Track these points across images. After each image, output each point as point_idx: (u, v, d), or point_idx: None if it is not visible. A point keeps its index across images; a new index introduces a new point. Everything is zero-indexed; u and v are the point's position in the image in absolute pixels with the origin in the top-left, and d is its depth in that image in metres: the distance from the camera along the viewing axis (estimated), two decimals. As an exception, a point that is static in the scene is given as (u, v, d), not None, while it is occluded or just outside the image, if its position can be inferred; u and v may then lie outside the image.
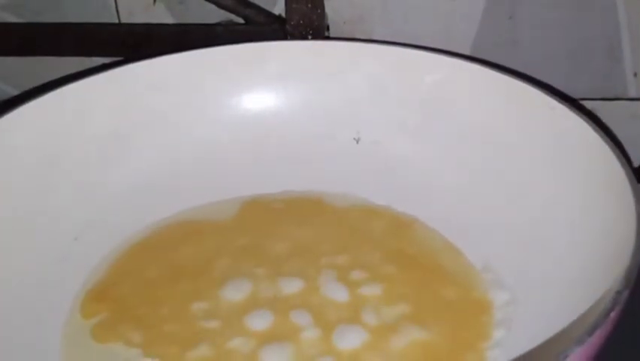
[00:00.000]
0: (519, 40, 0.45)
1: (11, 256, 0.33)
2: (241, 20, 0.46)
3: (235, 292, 0.33)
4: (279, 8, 0.46)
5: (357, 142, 0.40)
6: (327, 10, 0.45)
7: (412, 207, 0.37)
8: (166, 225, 0.37)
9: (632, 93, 0.46)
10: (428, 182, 0.38)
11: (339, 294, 0.33)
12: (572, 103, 0.35)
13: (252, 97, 0.41)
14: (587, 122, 0.33)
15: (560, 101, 0.35)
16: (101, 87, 0.38)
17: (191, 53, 0.40)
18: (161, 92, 0.39)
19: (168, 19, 0.47)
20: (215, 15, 0.46)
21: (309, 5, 0.44)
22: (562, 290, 0.30)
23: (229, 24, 0.46)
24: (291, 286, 0.33)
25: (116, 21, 0.47)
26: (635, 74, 0.45)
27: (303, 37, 0.45)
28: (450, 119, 0.39)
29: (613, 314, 0.24)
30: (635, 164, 0.45)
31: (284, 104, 0.41)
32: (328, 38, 0.46)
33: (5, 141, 0.35)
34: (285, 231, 0.36)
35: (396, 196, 0.38)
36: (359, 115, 0.40)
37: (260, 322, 0.31)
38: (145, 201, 0.37)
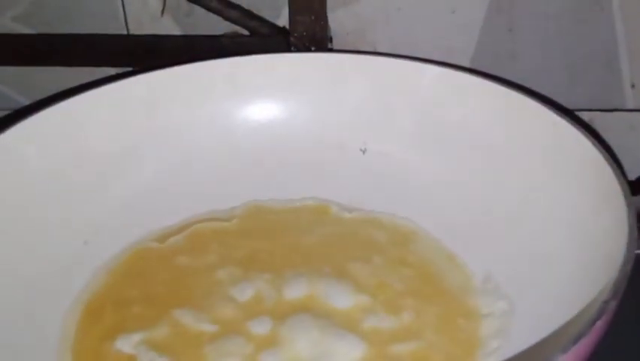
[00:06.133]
0: (518, 52, 0.46)
1: (21, 261, 0.34)
2: (246, 32, 0.47)
3: (238, 298, 0.33)
4: (283, 20, 0.46)
5: (364, 153, 0.41)
6: (331, 22, 0.46)
7: (415, 216, 0.38)
8: (173, 230, 0.38)
9: (630, 105, 0.46)
10: (431, 192, 0.38)
11: (339, 302, 0.33)
12: (570, 115, 0.36)
13: (259, 108, 0.41)
14: (587, 136, 0.33)
15: (561, 115, 0.35)
16: (109, 98, 0.39)
17: (199, 64, 0.40)
18: (170, 102, 0.40)
19: (176, 31, 0.48)
20: (220, 27, 0.47)
21: (313, 17, 0.45)
22: (557, 299, 0.31)
23: (234, 36, 0.47)
24: (294, 294, 0.34)
25: (125, 32, 0.48)
26: (633, 86, 0.45)
27: (307, 49, 0.46)
28: (455, 131, 0.39)
29: (599, 323, 0.25)
30: (633, 174, 0.45)
31: (290, 115, 0.41)
32: (331, 50, 0.46)
33: (18, 148, 0.36)
34: (289, 239, 0.37)
35: (400, 206, 0.38)
36: (365, 126, 0.41)
37: (260, 328, 0.32)
38: (152, 207, 0.38)
